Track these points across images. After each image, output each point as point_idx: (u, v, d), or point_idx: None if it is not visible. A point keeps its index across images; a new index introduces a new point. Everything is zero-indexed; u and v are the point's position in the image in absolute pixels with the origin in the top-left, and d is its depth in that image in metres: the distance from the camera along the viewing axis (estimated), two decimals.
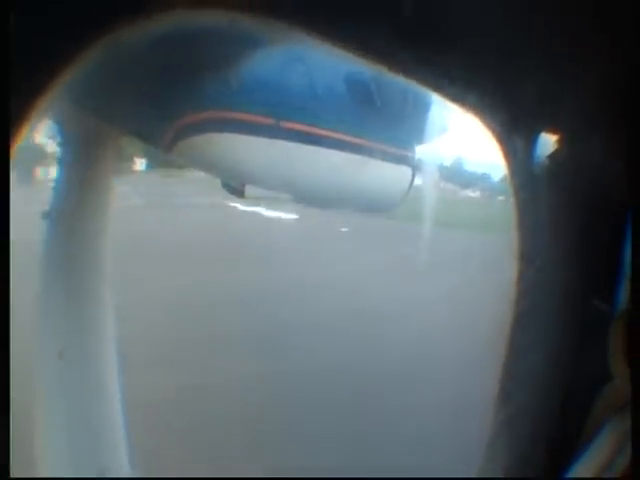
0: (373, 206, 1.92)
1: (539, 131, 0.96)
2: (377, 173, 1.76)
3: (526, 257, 0.99)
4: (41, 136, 1.68)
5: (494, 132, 0.95)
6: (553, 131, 0.96)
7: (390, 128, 1.74)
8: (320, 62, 1.57)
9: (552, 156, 0.97)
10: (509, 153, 0.97)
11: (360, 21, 0.84)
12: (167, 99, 1.50)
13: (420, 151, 1.87)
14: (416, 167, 1.84)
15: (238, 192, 1.76)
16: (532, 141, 0.96)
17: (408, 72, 0.94)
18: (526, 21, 0.86)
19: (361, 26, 0.84)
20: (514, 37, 0.88)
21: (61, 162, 1.57)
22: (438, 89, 0.99)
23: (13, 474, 0.72)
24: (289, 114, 1.69)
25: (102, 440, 1.50)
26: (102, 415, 1.51)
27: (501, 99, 0.93)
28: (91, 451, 1.47)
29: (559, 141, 0.97)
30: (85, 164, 1.55)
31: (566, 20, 0.86)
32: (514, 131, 0.95)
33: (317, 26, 0.87)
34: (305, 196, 1.81)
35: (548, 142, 0.97)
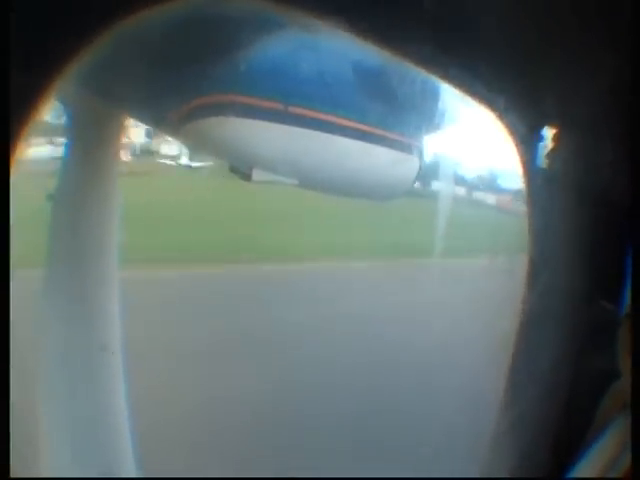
0: (379, 193, 1.92)
1: (555, 135, 0.96)
2: (384, 160, 1.76)
3: (536, 258, 1.00)
4: (48, 116, 1.67)
5: (513, 134, 0.95)
6: (568, 134, 0.96)
7: (398, 117, 1.74)
8: (330, 49, 1.56)
9: (565, 156, 0.97)
10: (525, 155, 0.97)
11: (393, 20, 0.84)
12: (175, 82, 1.49)
13: (427, 141, 1.87)
14: (423, 156, 1.84)
15: (245, 176, 1.76)
16: (545, 140, 0.96)
17: (437, 72, 0.94)
18: (546, 25, 0.86)
19: (376, 18, 0.84)
20: (533, 41, 0.88)
21: (67, 143, 1.57)
22: (452, 83, 0.99)
23: (13, 474, 0.72)
24: (297, 100, 1.68)
25: (106, 440, 1.51)
26: (107, 414, 1.51)
27: (525, 102, 0.93)
28: (95, 451, 1.48)
29: (572, 141, 0.98)
30: (91, 145, 1.55)
31: (584, 25, 0.86)
32: (529, 130, 0.95)
33: (336, 14, 0.87)
34: (312, 181, 1.81)
35: (563, 145, 0.97)
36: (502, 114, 0.96)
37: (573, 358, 0.97)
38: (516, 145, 0.98)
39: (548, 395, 0.99)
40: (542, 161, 0.98)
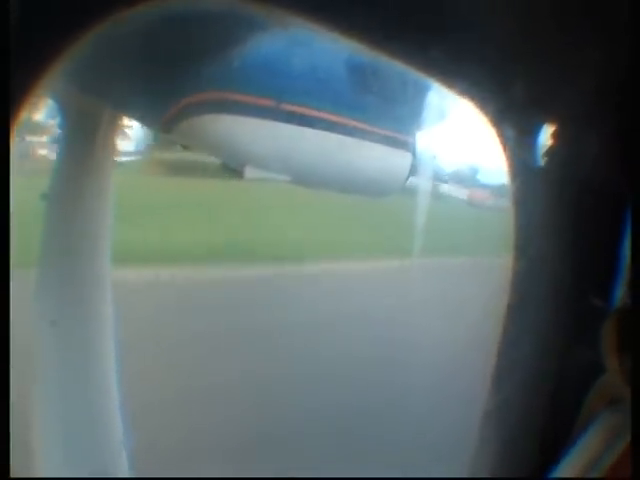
0: (372, 190, 1.92)
1: (536, 122, 0.96)
2: (377, 157, 1.76)
3: (520, 249, 1.00)
4: (41, 115, 1.67)
5: (492, 122, 0.96)
6: (550, 122, 0.96)
7: (390, 113, 1.74)
8: (322, 45, 1.56)
9: (549, 147, 0.97)
10: (506, 144, 0.97)
11: (353, 7, 0.84)
12: (168, 80, 1.49)
13: (420, 137, 1.87)
14: (416, 153, 1.84)
15: (237, 173, 1.76)
16: (529, 132, 0.96)
17: (402, 60, 0.94)
18: (521, 9, 0.86)
19: (354, 12, 0.84)
20: (508, 25, 0.89)
21: (60, 142, 1.57)
22: (434, 77, 0.99)
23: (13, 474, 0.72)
24: (290, 97, 1.68)
25: (100, 441, 1.51)
26: (100, 415, 1.51)
27: (498, 88, 0.93)
28: (88, 452, 1.48)
29: (556, 132, 0.98)
30: (85, 144, 1.55)
31: (561, 9, 0.86)
32: (511, 122, 0.95)
33: (314, 12, 0.87)
34: (304, 178, 1.81)
35: (545, 133, 0.97)
36: (486, 108, 0.96)
37: (558, 349, 0.97)
38: (500, 139, 0.98)
39: (532, 382, 0.99)
40: (527, 154, 0.99)
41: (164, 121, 1.61)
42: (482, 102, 0.94)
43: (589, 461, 0.84)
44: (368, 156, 1.73)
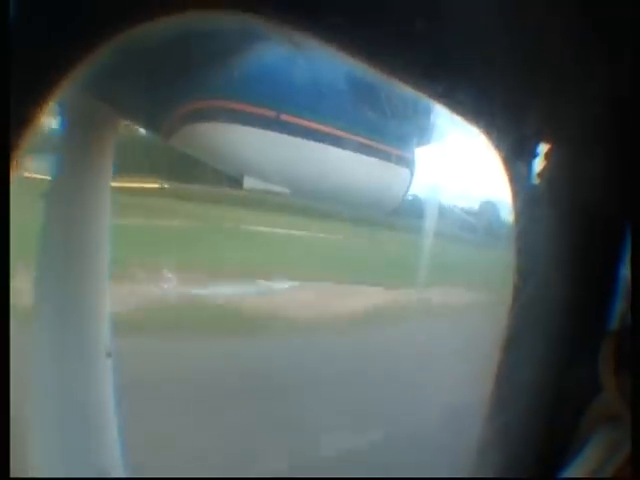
0: (370, 205, 1.93)
1: (542, 152, 0.98)
2: (375, 172, 1.77)
3: (522, 274, 1.01)
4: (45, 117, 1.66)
5: (501, 155, 0.97)
6: (555, 151, 0.98)
7: (390, 129, 1.75)
8: (323, 59, 1.57)
9: (551, 174, 0.99)
10: (514, 176, 0.99)
11: (377, 42, 0.86)
12: (170, 87, 1.50)
13: (420, 155, 1.88)
14: (415, 170, 1.86)
15: (237, 183, 1.77)
16: (535, 163, 0.98)
17: (422, 91, 0.96)
18: (535, 44, 0.88)
19: (376, 45, 0.86)
20: (523, 59, 0.90)
21: (61, 145, 1.57)
22: (450, 108, 1.01)
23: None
24: (289, 108, 1.69)
25: (96, 441, 1.50)
26: (96, 416, 1.50)
27: (510, 122, 0.95)
28: (86, 452, 1.47)
29: (558, 157, 1.00)
30: (85, 148, 1.56)
31: (571, 45, 0.88)
32: (520, 154, 0.97)
33: (321, 31, 0.89)
34: (303, 191, 1.82)
35: (548, 160, 0.99)
36: (488, 130, 0.98)
37: (557, 370, 0.99)
38: (502, 161, 1.00)
39: (531, 406, 1.00)
40: (528, 176, 1.00)
41: (165, 127, 1.61)
42: (497, 137, 0.96)
43: (587, 477, 0.86)
44: (366, 171, 1.74)
